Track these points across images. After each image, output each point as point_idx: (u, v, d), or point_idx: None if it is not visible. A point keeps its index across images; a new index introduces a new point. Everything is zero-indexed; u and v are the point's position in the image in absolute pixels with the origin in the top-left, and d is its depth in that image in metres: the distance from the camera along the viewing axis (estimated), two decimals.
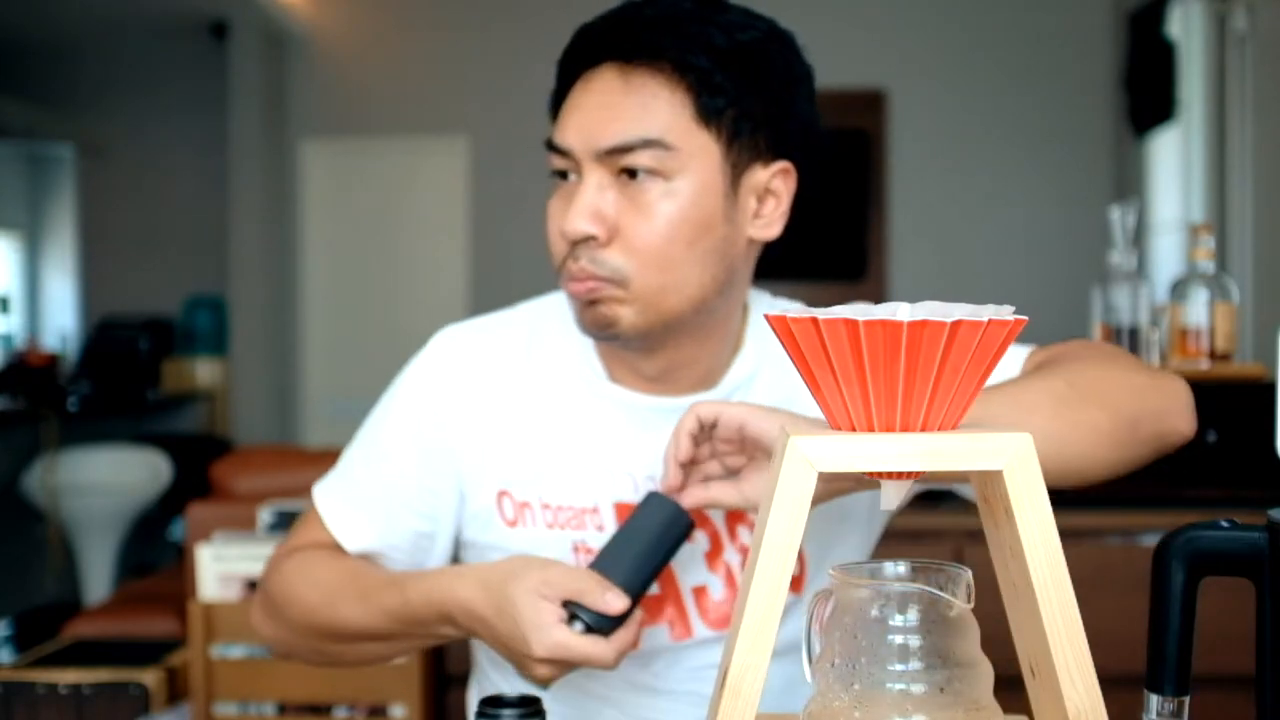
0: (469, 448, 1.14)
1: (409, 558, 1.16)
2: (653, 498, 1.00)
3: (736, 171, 1.06)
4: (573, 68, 1.08)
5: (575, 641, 0.95)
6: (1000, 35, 5.88)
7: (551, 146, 1.07)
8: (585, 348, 1.16)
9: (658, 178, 1.03)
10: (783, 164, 1.09)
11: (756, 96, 1.06)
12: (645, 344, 1.09)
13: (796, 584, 1.13)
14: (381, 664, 1.23)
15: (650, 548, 0.98)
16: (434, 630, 1.07)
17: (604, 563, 0.98)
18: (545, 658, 0.95)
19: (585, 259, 1.04)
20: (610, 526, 1.11)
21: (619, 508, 1.12)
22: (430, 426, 1.15)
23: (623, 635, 0.97)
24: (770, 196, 1.09)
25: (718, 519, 1.13)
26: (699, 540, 1.13)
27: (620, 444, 1.12)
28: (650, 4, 1.07)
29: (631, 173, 1.04)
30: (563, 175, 1.08)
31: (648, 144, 1.03)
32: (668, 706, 1.15)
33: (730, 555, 1.13)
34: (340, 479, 1.19)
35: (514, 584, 0.97)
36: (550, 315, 1.19)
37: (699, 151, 1.04)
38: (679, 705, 1.15)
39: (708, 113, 1.04)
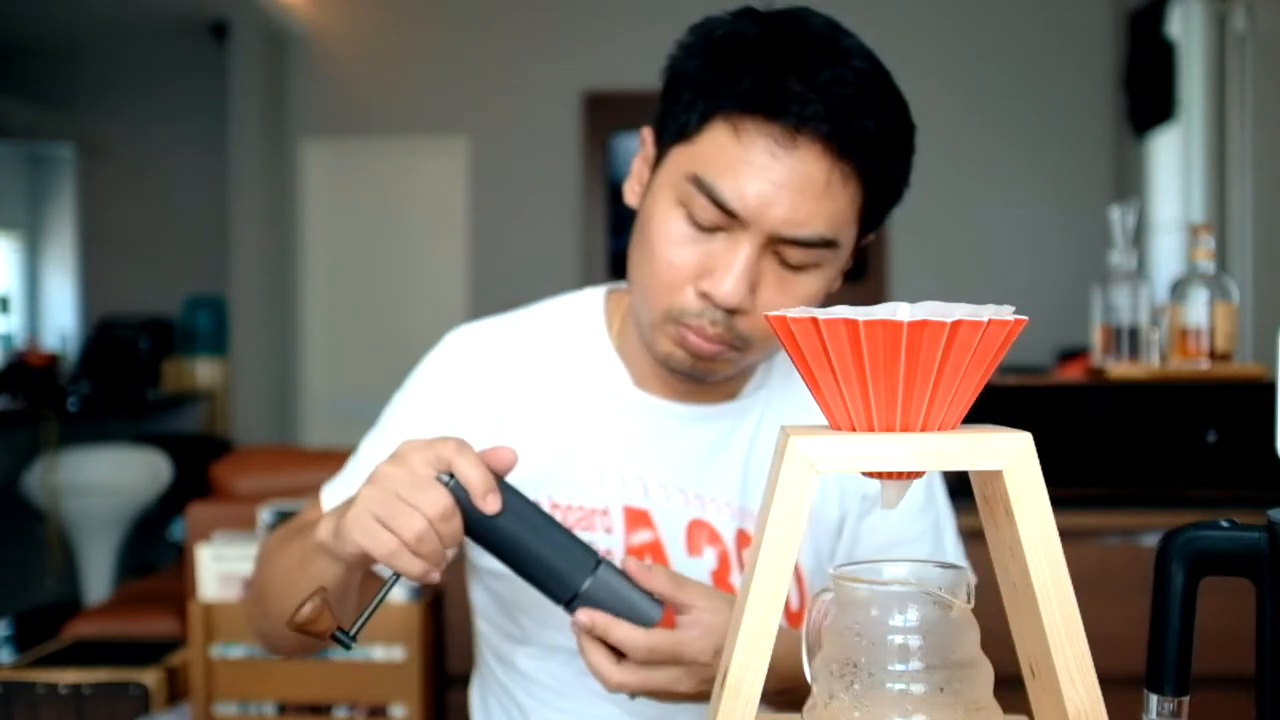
0: (478, 444, 1.14)
1: None
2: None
3: (854, 250, 1.07)
4: (743, 101, 0.98)
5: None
6: (1000, 35, 5.88)
7: (710, 195, 0.98)
8: (609, 352, 1.15)
9: (814, 270, 1.02)
10: (872, 235, 1.09)
11: (901, 186, 1.06)
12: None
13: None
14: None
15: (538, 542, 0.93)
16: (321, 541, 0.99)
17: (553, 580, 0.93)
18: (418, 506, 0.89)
19: (724, 324, 1.01)
20: (619, 529, 1.11)
21: (628, 511, 1.11)
22: (440, 423, 1.14)
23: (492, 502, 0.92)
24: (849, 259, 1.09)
25: (728, 539, 1.13)
26: (707, 557, 1.12)
27: (638, 449, 1.12)
28: (839, 65, 0.98)
29: (789, 260, 1.00)
30: (703, 225, 1.00)
31: (824, 244, 1.00)
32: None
33: (736, 579, 1.12)
34: (347, 473, 1.18)
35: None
36: (572, 317, 1.18)
37: (849, 244, 1.03)
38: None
39: (871, 210, 1.03)
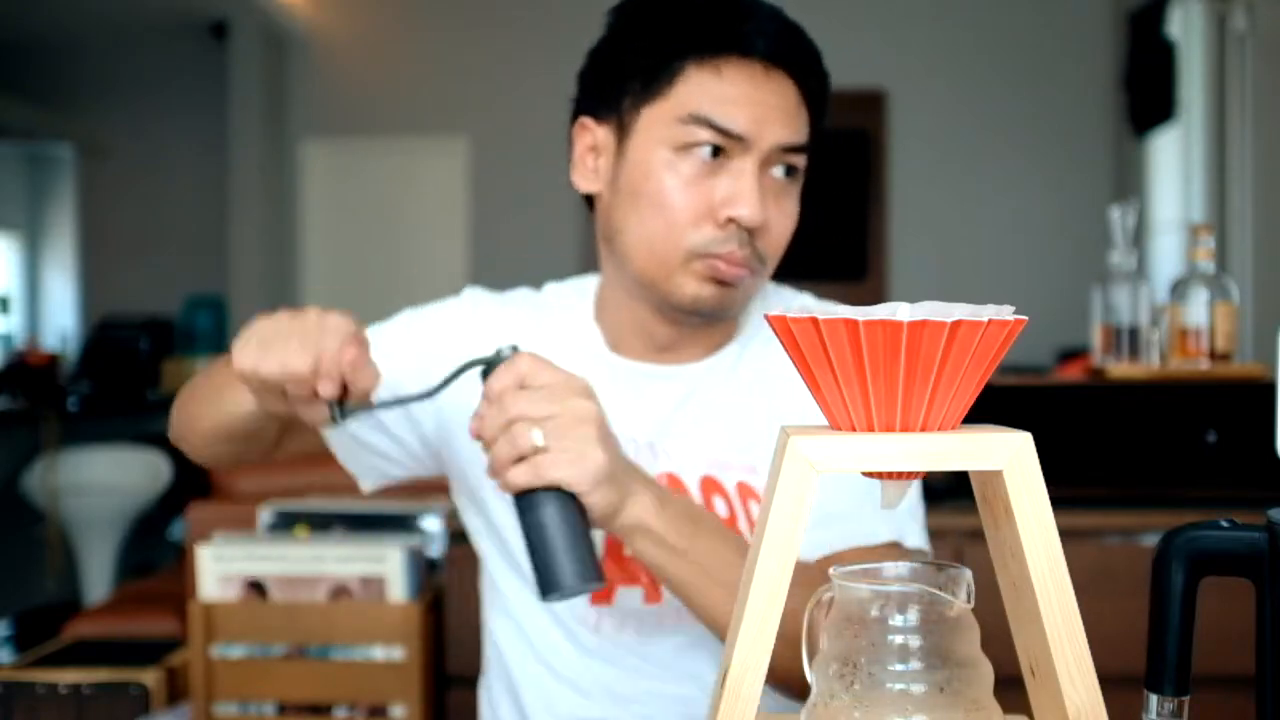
0: (471, 396, 1.17)
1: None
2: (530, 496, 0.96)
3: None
4: (712, 47, 1.09)
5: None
6: (1000, 35, 5.88)
7: (714, 125, 1.07)
8: (586, 318, 1.22)
9: (797, 180, 1.13)
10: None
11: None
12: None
13: None
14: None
15: (569, 534, 0.95)
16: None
17: (548, 568, 0.94)
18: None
19: (741, 243, 1.09)
20: None
21: None
22: (430, 352, 1.18)
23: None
24: None
25: (693, 488, 1.16)
26: None
27: (617, 408, 1.15)
28: (772, 10, 1.12)
29: (787, 169, 1.11)
30: (713, 150, 1.08)
31: (803, 150, 1.12)
32: (661, 677, 1.17)
33: None
34: None
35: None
36: (564, 294, 1.26)
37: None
38: (672, 682, 1.17)
39: (815, 126, 1.14)
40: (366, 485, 1.26)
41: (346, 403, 0.97)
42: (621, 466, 0.97)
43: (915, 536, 1.15)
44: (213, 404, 1.11)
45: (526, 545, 0.96)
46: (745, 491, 1.16)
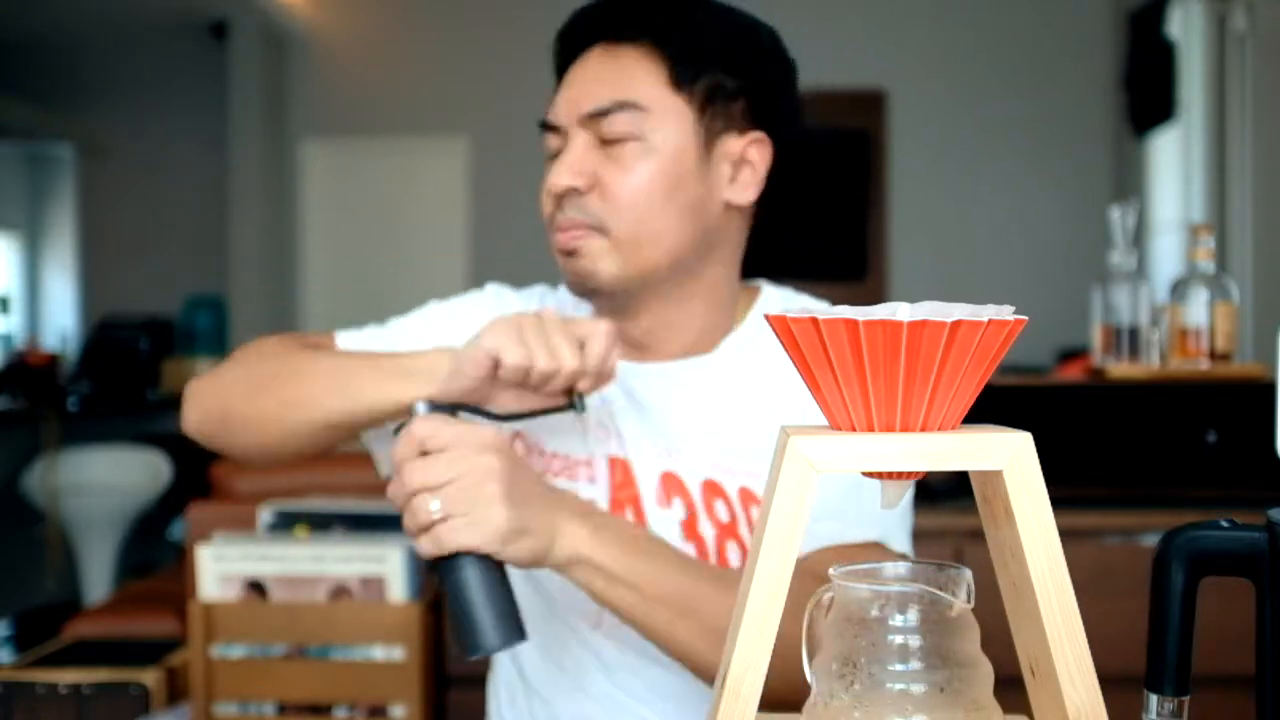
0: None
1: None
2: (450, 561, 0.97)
3: (710, 136, 1.13)
4: (567, 51, 1.17)
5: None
6: (1000, 35, 5.88)
7: (545, 126, 1.15)
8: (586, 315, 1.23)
9: (634, 140, 1.11)
10: (757, 134, 1.16)
11: (732, 70, 1.14)
12: (626, 300, 1.15)
13: None
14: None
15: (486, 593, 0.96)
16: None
17: (469, 630, 0.95)
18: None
19: (569, 209, 1.12)
20: (603, 480, 1.17)
21: (611, 460, 1.17)
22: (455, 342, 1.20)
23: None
24: (746, 165, 1.16)
25: (694, 490, 1.16)
26: (675, 508, 1.16)
27: (617, 405, 1.18)
28: None
29: (605, 134, 1.11)
30: (556, 155, 1.15)
31: (623, 106, 1.11)
32: (663, 674, 1.17)
33: (705, 528, 1.16)
34: (366, 330, 1.25)
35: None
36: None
37: (672, 114, 1.12)
38: (673, 680, 1.17)
39: (681, 79, 1.12)
40: (385, 470, 1.26)
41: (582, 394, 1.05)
42: (538, 510, 0.98)
43: (900, 542, 1.15)
44: (344, 395, 1.07)
45: (449, 604, 0.97)
46: (747, 497, 1.16)
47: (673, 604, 1.00)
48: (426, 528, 0.95)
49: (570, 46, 1.17)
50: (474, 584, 0.95)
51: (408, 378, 1.04)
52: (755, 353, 1.19)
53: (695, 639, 1.01)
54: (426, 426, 0.97)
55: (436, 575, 0.97)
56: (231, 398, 1.15)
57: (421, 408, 1.00)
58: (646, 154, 1.11)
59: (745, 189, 1.16)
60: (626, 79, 1.12)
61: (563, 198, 1.12)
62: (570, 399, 1.04)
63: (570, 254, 1.13)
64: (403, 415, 1.04)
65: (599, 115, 1.11)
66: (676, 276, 1.15)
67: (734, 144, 1.14)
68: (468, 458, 0.95)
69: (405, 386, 1.04)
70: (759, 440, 1.15)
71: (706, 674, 1.03)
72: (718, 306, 1.20)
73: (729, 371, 1.19)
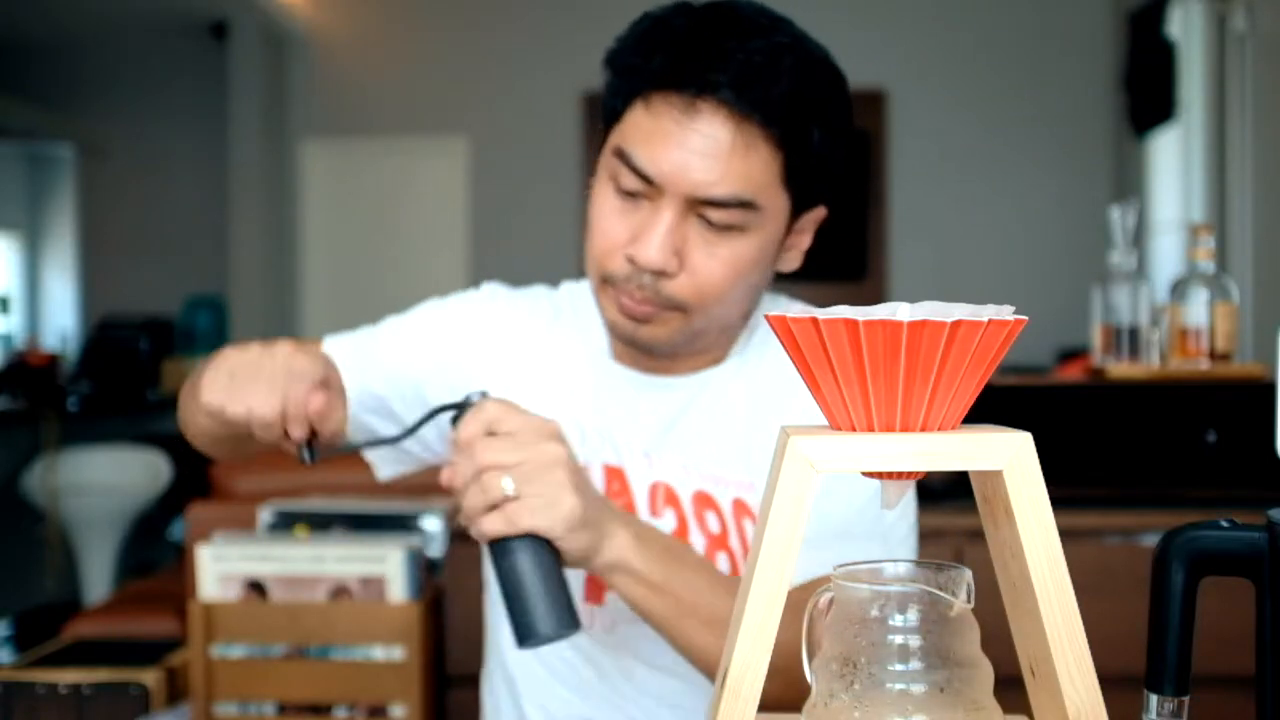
0: (485, 384, 1.21)
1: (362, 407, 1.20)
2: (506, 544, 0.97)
3: (793, 222, 1.11)
4: (661, 83, 1.05)
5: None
6: (1000, 35, 5.88)
7: (629, 164, 1.05)
8: (595, 323, 1.22)
9: (739, 233, 1.06)
10: (821, 210, 1.13)
11: (827, 154, 1.08)
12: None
13: None
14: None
15: (540, 579, 0.95)
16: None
17: (524, 617, 0.95)
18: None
19: (650, 288, 1.07)
20: (600, 486, 1.17)
21: (607, 469, 1.17)
22: (454, 344, 1.21)
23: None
24: (802, 235, 1.14)
25: (685, 501, 1.16)
26: (666, 518, 1.16)
27: (614, 414, 1.18)
28: (750, 39, 1.03)
29: (709, 223, 1.05)
30: (629, 193, 1.07)
31: (741, 204, 1.04)
32: (652, 676, 1.17)
33: (695, 537, 1.16)
34: (356, 333, 1.25)
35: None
36: (578, 295, 1.26)
37: (777, 211, 1.07)
38: (664, 681, 1.17)
39: (794, 175, 1.06)
40: (384, 473, 1.26)
41: (315, 443, 0.99)
42: (596, 507, 0.98)
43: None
44: (195, 409, 1.09)
45: (501, 592, 0.96)
46: (740, 509, 1.15)
47: (703, 614, 1.00)
48: (497, 505, 0.94)
49: (669, 83, 1.04)
50: (532, 568, 0.94)
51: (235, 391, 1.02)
52: (755, 365, 1.19)
53: (720, 648, 1.01)
54: (498, 409, 0.96)
55: (492, 560, 0.96)
56: (180, 402, 1.19)
57: (476, 395, 0.99)
58: (743, 245, 1.07)
59: (795, 258, 1.15)
60: (748, 170, 1.03)
61: (638, 270, 1.06)
62: (299, 453, 0.99)
63: (638, 320, 1.10)
64: (243, 426, 1.03)
65: (712, 204, 1.04)
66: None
67: (804, 220, 1.12)
68: (537, 443, 0.95)
69: (230, 399, 1.01)
70: (754, 451, 1.15)
71: None
72: (732, 325, 1.19)
73: (728, 383, 1.19)
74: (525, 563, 0.94)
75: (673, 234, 1.04)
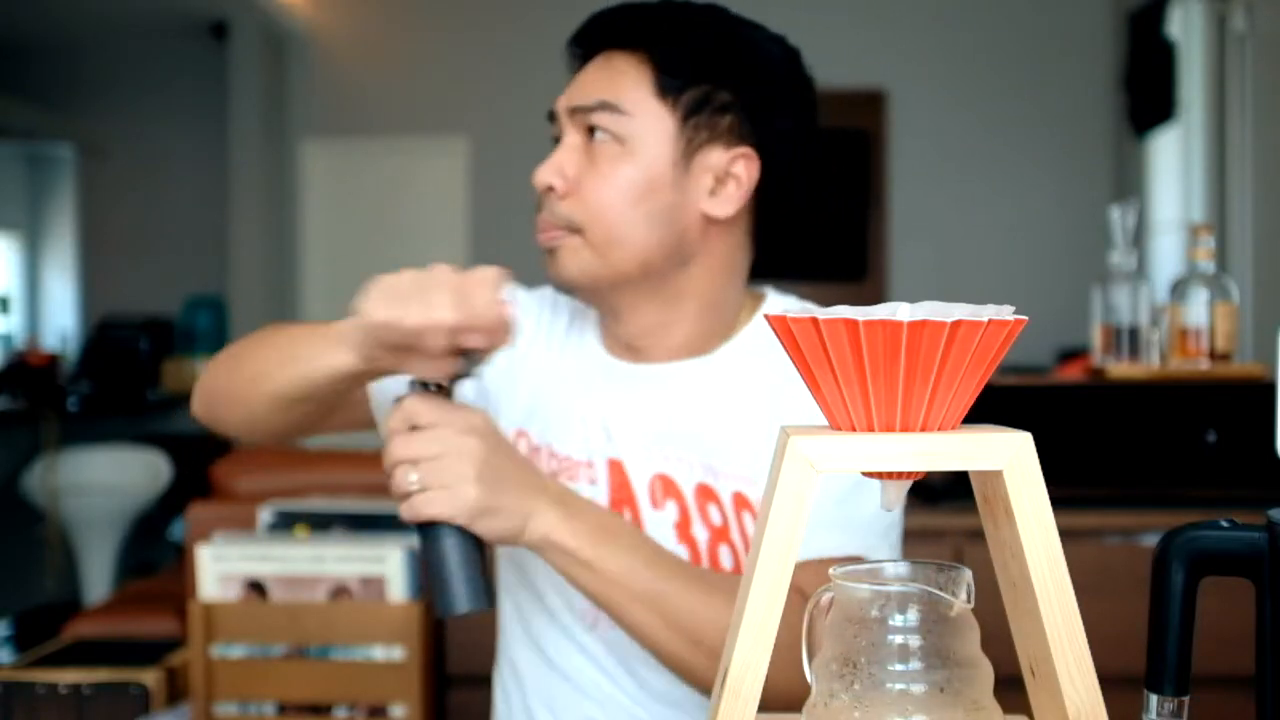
0: (500, 381, 1.24)
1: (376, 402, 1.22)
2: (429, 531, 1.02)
3: (691, 146, 1.14)
4: (578, 55, 1.20)
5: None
6: (1000, 35, 5.88)
7: (550, 116, 1.19)
8: (592, 320, 1.25)
9: (613, 141, 1.13)
10: (744, 149, 1.16)
11: (726, 84, 1.15)
12: (605, 300, 1.18)
13: None
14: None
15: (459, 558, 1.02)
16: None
17: (441, 591, 1.01)
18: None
19: (548, 209, 1.16)
20: (603, 481, 1.19)
21: (610, 462, 1.19)
22: None
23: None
24: (730, 179, 1.16)
25: (688, 492, 1.17)
26: (668, 510, 1.17)
27: (605, 406, 1.21)
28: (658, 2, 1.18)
29: (592, 131, 1.14)
30: (555, 138, 1.18)
31: (604, 106, 1.13)
32: (654, 677, 1.18)
33: (698, 530, 1.17)
34: None
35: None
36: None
37: (653, 120, 1.14)
38: (665, 683, 1.17)
39: (666, 87, 1.14)
40: None
41: (482, 357, 1.01)
42: (515, 491, 1.01)
43: (881, 555, 1.14)
44: (289, 364, 1.07)
45: (426, 568, 1.04)
46: (740, 502, 1.16)
47: (643, 597, 1.04)
48: (405, 496, 1.00)
49: (580, 50, 1.20)
50: (446, 551, 1.01)
51: (340, 343, 1.02)
52: (754, 358, 1.19)
53: (661, 633, 1.04)
54: (415, 404, 1.01)
55: (419, 539, 1.03)
56: (216, 378, 1.18)
57: (405, 385, 1.04)
58: (623, 157, 1.13)
59: (726, 203, 1.16)
60: (614, 81, 1.15)
61: (545, 195, 1.16)
62: (466, 365, 1.01)
63: (549, 252, 1.17)
64: (340, 383, 1.05)
65: (583, 111, 1.14)
66: (652, 281, 1.16)
67: (717, 157, 1.15)
68: (449, 438, 0.99)
69: (337, 352, 1.02)
70: (755, 445, 1.15)
71: (679, 670, 1.06)
72: (711, 312, 1.20)
73: (726, 375, 1.19)
74: (443, 544, 1.01)
75: (564, 157, 1.15)
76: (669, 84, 1.14)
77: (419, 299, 0.96)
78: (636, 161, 1.13)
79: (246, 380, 1.12)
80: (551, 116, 1.19)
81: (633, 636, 1.07)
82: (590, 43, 1.19)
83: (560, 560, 1.04)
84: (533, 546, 1.04)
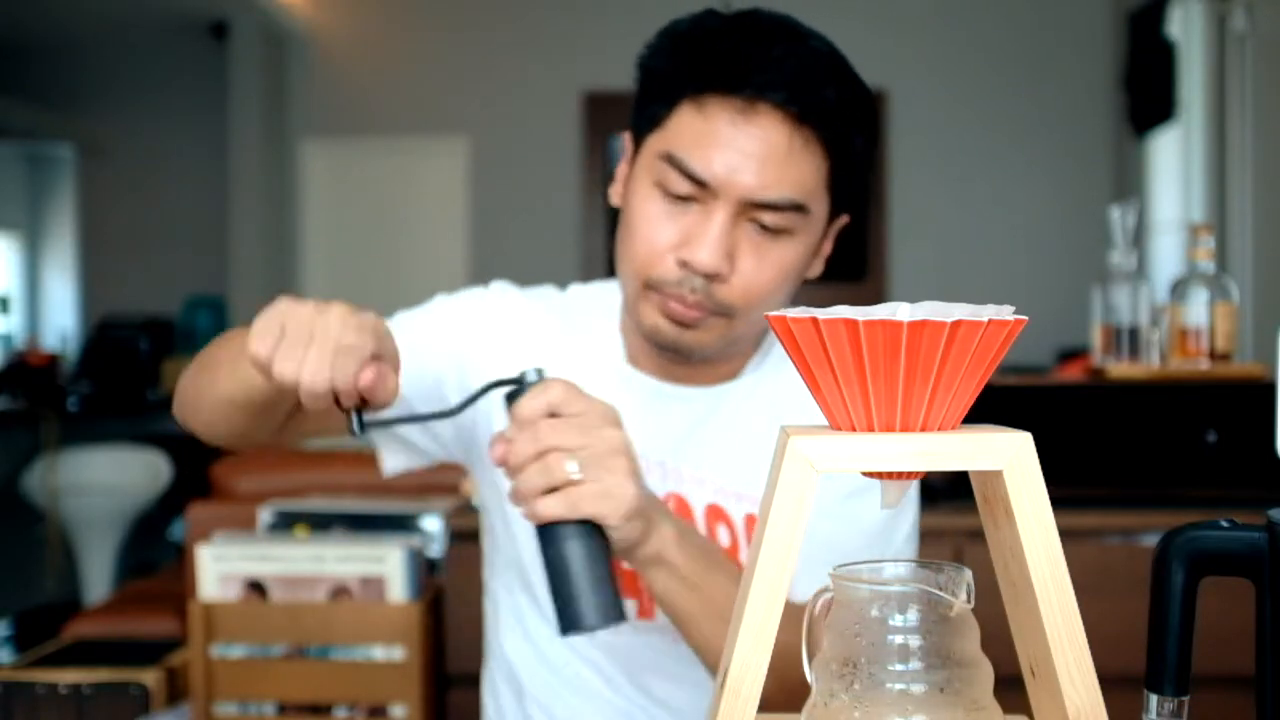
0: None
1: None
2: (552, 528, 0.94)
3: (831, 228, 1.12)
4: (704, 81, 1.05)
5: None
6: (1000, 35, 5.88)
7: (680, 167, 1.05)
8: (611, 328, 1.21)
9: (787, 237, 1.07)
10: (845, 217, 1.14)
11: (863, 161, 1.10)
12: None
13: None
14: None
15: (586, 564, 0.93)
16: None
17: (570, 605, 0.92)
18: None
19: (702, 291, 1.06)
20: None
21: None
22: (460, 343, 1.19)
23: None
24: (828, 241, 1.15)
25: (699, 513, 1.16)
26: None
27: (632, 423, 1.14)
28: (796, 45, 1.05)
29: (761, 227, 1.05)
30: (679, 197, 1.06)
31: (795, 207, 1.05)
32: (653, 683, 1.17)
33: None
34: None
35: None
36: (589, 299, 1.24)
37: (820, 215, 1.09)
38: (665, 688, 1.17)
39: (837, 180, 1.08)
40: (390, 465, 1.24)
41: (366, 411, 0.92)
42: (647, 498, 0.96)
43: None
44: (229, 371, 1.02)
45: (548, 577, 0.94)
46: (752, 523, 1.14)
47: (728, 616, 1.00)
48: (558, 487, 0.92)
49: (730, 80, 1.04)
50: (582, 556, 0.92)
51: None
52: (767, 380, 1.18)
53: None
54: (562, 389, 0.94)
55: (540, 544, 0.93)
56: (184, 382, 1.13)
57: (533, 373, 0.96)
58: (790, 248, 1.07)
59: (820, 263, 1.15)
60: (801, 174, 1.04)
61: (687, 272, 1.06)
62: (349, 423, 0.91)
63: (685, 326, 1.09)
64: (273, 394, 0.97)
65: (768, 208, 1.04)
66: None
67: (831, 229, 1.14)
68: (600, 428, 0.94)
69: (250, 367, 0.93)
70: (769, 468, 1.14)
71: None
72: (754, 345, 1.19)
73: (744, 398, 1.18)
74: (576, 549, 0.92)
75: (726, 237, 1.04)
76: (840, 180, 1.08)
77: (296, 352, 0.87)
78: (801, 251, 1.08)
79: (204, 385, 1.08)
80: (675, 164, 1.05)
81: (710, 660, 1.02)
82: (758, 84, 1.03)
83: (664, 578, 0.98)
84: (642, 561, 0.97)
